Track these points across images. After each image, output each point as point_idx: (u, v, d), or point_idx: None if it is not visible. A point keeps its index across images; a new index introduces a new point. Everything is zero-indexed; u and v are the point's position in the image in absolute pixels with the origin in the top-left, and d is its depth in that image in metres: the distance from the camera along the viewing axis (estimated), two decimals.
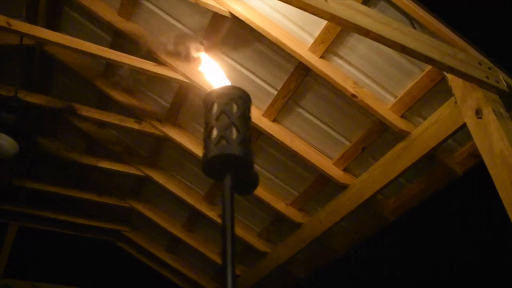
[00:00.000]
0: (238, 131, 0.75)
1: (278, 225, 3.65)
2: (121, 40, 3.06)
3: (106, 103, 3.50)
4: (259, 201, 3.46)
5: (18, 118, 2.79)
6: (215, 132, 0.76)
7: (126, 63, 2.80)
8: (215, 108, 0.80)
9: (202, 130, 3.29)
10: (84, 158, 3.66)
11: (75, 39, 2.84)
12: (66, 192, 4.11)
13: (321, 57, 2.63)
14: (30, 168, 3.89)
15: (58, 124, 3.77)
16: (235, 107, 0.78)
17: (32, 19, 3.04)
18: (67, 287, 4.26)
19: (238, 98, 0.81)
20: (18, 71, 2.97)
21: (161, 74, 2.86)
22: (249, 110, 0.81)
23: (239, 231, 3.73)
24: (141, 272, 4.76)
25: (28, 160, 3.23)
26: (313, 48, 2.60)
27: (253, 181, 0.80)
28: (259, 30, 2.57)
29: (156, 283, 4.73)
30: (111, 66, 3.26)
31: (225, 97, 0.80)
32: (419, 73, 2.55)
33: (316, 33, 2.57)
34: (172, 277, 4.70)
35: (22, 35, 2.77)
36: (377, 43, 1.94)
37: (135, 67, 2.81)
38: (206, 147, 0.76)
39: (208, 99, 0.82)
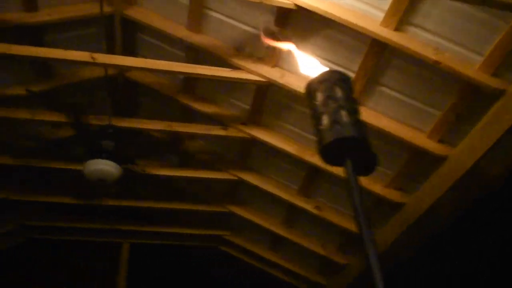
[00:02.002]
0: (348, 113, 0.75)
1: (377, 208, 3.57)
2: (193, 53, 3.17)
3: (190, 115, 3.64)
4: None
5: (116, 144, 2.99)
6: (325, 119, 0.76)
7: (203, 74, 2.89)
8: (319, 95, 0.80)
9: (287, 126, 3.33)
10: (178, 171, 3.83)
11: (152, 60, 2.99)
12: (166, 205, 4.34)
13: (395, 29, 2.53)
14: (133, 188, 4.14)
15: (149, 143, 3.98)
16: (338, 90, 0.78)
17: (111, 50, 3.24)
18: None
19: (339, 81, 0.80)
20: (108, 100, 3.17)
21: (238, 78, 2.92)
22: (352, 91, 0.81)
23: (340, 220, 3.70)
24: (248, 273, 4.89)
25: (131, 181, 3.44)
26: (385, 23, 2.51)
27: (373, 160, 0.79)
28: (327, 16, 2.53)
29: (264, 282, 4.83)
30: (188, 80, 3.39)
31: (326, 83, 0.80)
32: (504, 25, 2.37)
33: (386, 7, 2.48)
34: (280, 275, 4.77)
35: (106, 66, 2.96)
36: (452, 3, 1.82)
37: (213, 76, 2.90)
38: (319, 135, 0.76)
39: (310, 89, 0.83)
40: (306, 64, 0.93)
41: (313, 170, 3.47)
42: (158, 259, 4.84)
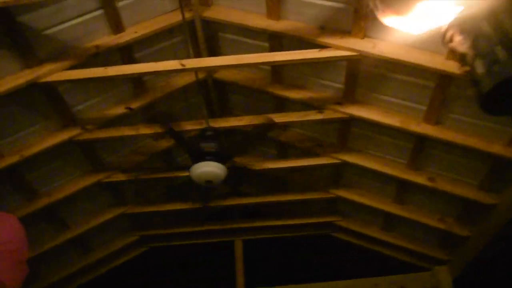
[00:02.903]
0: (506, 49, 0.63)
1: (499, 171, 3.26)
2: (277, 41, 3.11)
3: (282, 105, 3.59)
4: (468, 151, 3.15)
5: (217, 144, 3.03)
6: (479, 64, 0.65)
7: (291, 60, 2.82)
8: (461, 39, 0.69)
9: (385, 98, 3.15)
10: (280, 162, 3.81)
11: (239, 56, 2.96)
12: (272, 199, 4.35)
13: None
14: (238, 186, 4.20)
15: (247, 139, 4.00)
16: (486, 25, 0.66)
17: (197, 55, 3.28)
18: (303, 285, 4.46)
19: (484, 17, 0.68)
20: (202, 103, 3.22)
21: (328, 57, 2.81)
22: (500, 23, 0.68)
23: (457, 189, 3.44)
24: (363, 257, 4.75)
25: (236, 179, 3.49)
26: None
27: None
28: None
29: (381, 265, 4.66)
30: (276, 70, 3.34)
31: (469, 22, 0.68)
32: None
33: None
34: (396, 255, 4.58)
35: (196, 70, 3.00)
36: None
37: (302, 59, 2.82)
38: (477, 84, 0.65)
39: (446, 35, 0.71)
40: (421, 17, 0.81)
41: (421, 140, 3.26)
42: (271, 252, 4.87)
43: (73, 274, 4.56)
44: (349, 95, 3.21)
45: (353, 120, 3.37)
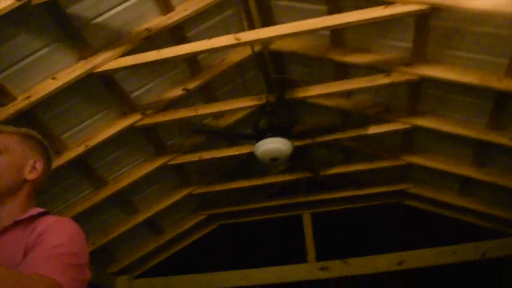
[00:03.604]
0: None
1: None
2: (334, 3, 2.87)
3: (345, 72, 3.37)
4: None
5: (281, 119, 2.88)
6: None
7: (354, 21, 2.59)
8: None
9: (460, 54, 2.84)
10: (348, 132, 3.61)
11: (296, 23, 2.75)
12: (340, 170, 4.17)
13: None
14: (304, 159, 4.06)
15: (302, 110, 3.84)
16: None
17: (251, 27, 3.12)
18: (376, 256, 4.31)
19: None
20: (262, 78, 3.07)
21: (394, 14, 2.54)
22: None
23: None
24: (439, 224, 4.50)
25: (301, 152, 3.34)
26: None
27: None
28: None
29: (459, 231, 4.39)
30: (335, 34, 3.11)
31: None
32: None
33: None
34: (475, 220, 4.30)
35: (252, 43, 2.84)
36: None
37: (366, 19, 2.57)
38: None
39: None
40: None
41: (503, 97, 2.94)
42: (341, 224, 4.73)
43: (146, 255, 4.68)
44: (419, 55, 2.93)
45: (423, 81, 3.09)
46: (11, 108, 2.64)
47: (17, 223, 1.11)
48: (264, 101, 3.20)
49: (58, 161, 3.16)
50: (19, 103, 2.67)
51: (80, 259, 1.06)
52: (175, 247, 4.91)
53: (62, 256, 1.01)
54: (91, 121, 3.21)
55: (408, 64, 2.98)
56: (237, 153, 3.79)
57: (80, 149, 3.19)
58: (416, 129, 3.53)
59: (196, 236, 4.98)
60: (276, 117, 2.91)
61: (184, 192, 4.30)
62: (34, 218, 1.14)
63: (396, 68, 3.03)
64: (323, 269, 4.43)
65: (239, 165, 4.14)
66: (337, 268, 4.38)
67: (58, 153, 3.18)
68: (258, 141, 2.87)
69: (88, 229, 4.05)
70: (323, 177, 3.88)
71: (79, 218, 3.73)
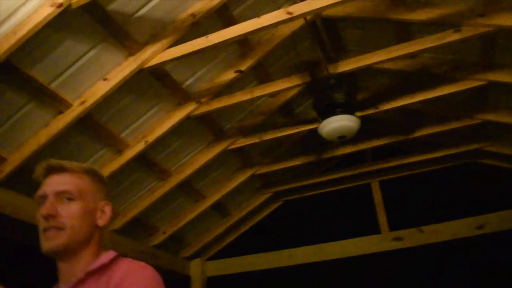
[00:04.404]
0: None
1: None
2: None
3: (406, 32, 3.08)
4: None
5: (344, 93, 2.68)
6: None
7: None
8: None
9: None
10: (416, 96, 3.34)
11: None
12: (408, 136, 3.92)
13: None
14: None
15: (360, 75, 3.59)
16: None
17: None
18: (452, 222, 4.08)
19: None
20: (319, 50, 2.86)
21: None
22: None
23: None
24: None
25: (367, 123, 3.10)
26: None
27: None
28: None
29: None
30: None
31: None
32: None
33: None
34: None
35: (305, 15, 2.62)
36: None
37: None
38: None
39: None
40: None
41: None
42: (412, 190, 4.49)
43: (216, 238, 4.69)
44: (493, 2, 2.60)
45: (500, 32, 2.76)
46: (69, 116, 2.62)
47: (89, 274, 1.03)
48: (325, 73, 2.96)
49: (120, 160, 3.15)
50: (76, 109, 2.64)
51: None
52: (243, 227, 4.89)
53: None
54: (147, 116, 3.15)
55: (481, 14, 2.65)
56: (297, 131, 3.63)
57: (141, 146, 3.16)
58: (491, 85, 3.20)
59: (263, 215, 4.93)
60: (341, 91, 2.69)
61: (247, 173, 4.24)
62: (105, 266, 1.04)
63: (467, 21, 2.71)
64: (397, 239, 4.25)
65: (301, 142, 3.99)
66: (412, 237, 4.18)
67: (120, 151, 3.17)
68: (323, 120, 2.68)
69: (158, 219, 4.09)
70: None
71: (148, 210, 3.76)
